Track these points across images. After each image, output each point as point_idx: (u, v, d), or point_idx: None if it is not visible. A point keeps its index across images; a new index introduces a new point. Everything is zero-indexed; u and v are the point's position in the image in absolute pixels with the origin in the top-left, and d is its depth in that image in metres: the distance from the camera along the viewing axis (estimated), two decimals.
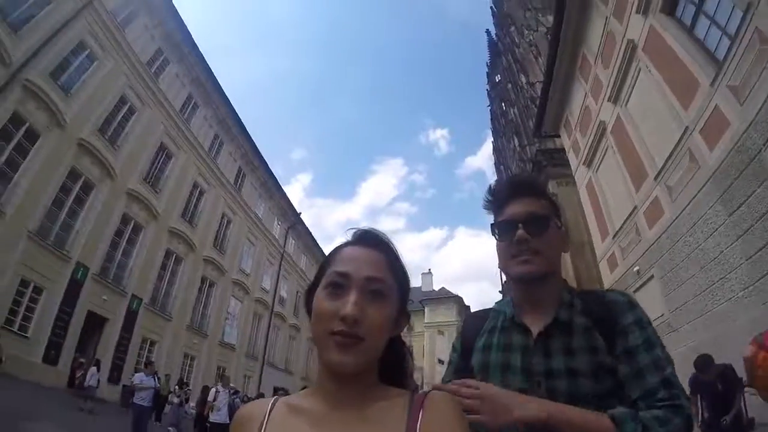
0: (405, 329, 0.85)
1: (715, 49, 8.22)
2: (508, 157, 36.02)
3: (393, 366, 0.83)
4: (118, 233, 16.49)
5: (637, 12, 10.17)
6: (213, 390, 10.99)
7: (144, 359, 16.87)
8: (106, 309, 15.35)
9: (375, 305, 0.72)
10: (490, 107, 45.53)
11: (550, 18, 26.62)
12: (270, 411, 0.74)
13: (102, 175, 15.55)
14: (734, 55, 7.43)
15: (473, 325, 1.23)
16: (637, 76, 10.81)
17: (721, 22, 7.99)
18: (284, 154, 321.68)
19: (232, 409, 10.45)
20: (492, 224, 1.18)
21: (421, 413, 0.70)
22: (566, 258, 18.62)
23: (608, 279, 12.67)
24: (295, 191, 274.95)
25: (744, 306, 7.29)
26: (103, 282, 15.33)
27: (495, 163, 43.78)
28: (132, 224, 17.15)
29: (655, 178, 10.12)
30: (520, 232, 1.09)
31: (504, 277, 31.76)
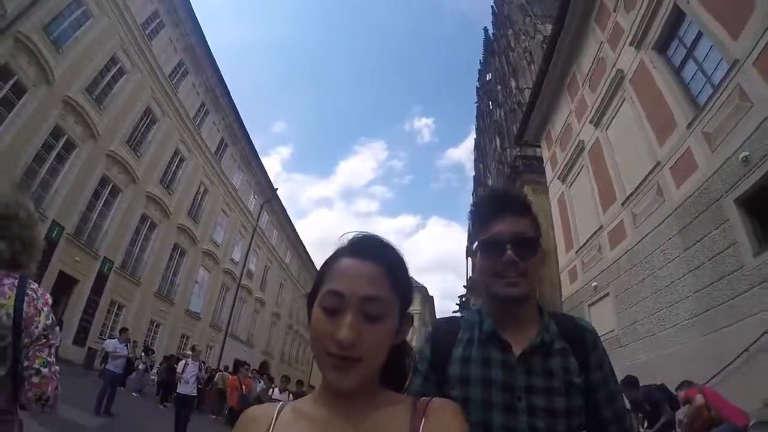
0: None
1: (698, 94, 8.63)
2: (489, 156, 36.44)
3: (395, 370, 0.83)
4: (96, 194, 16.35)
5: (631, 44, 10.55)
6: (182, 362, 11.11)
7: (111, 322, 17.00)
8: (78, 270, 15.30)
9: (373, 326, 0.70)
10: (477, 104, 45.89)
11: (549, 27, 26.95)
12: (277, 416, 0.76)
13: (85, 135, 15.33)
14: (714, 104, 7.86)
15: (446, 334, 1.21)
16: (621, 105, 11.19)
17: (707, 69, 8.37)
18: (266, 124, 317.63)
19: (198, 381, 10.62)
20: (478, 241, 1.17)
21: (423, 421, 0.71)
22: None
23: (567, 289, 13.31)
24: (273, 163, 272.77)
25: (687, 334, 7.90)
26: (77, 243, 15.24)
27: (475, 160, 44.22)
28: (110, 186, 17.00)
29: (623, 204, 10.65)
30: (509, 253, 1.08)
31: (470, 269, 32.27)
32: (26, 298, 1.33)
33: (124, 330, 11.68)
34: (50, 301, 1.44)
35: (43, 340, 1.36)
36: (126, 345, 10.60)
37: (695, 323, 7.83)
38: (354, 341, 0.67)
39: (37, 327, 1.34)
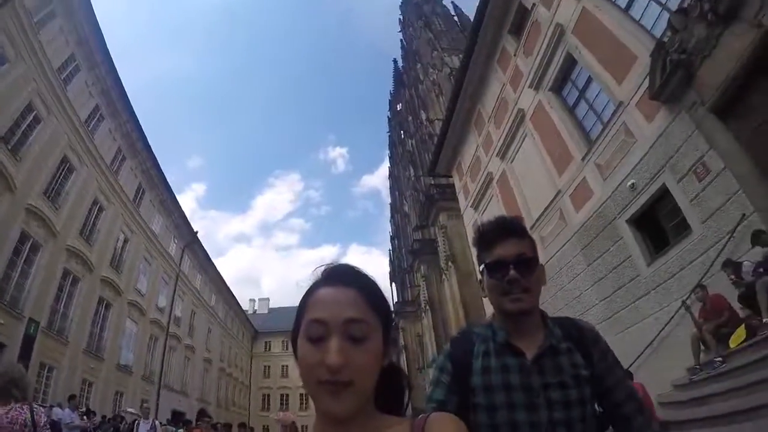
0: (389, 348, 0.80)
1: (590, 129, 9.95)
2: (403, 184, 37.53)
3: (389, 393, 0.82)
4: (16, 251, 15.14)
5: (530, 86, 11.80)
6: (136, 422, 10.83)
7: (42, 386, 15.68)
8: (3, 333, 14.02)
9: (359, 347, 0.70)
10: (389, 133, 47.30)
11: (455, 59, 28.99)
12: None
13: (2, 189, 14.25)
14: (604, 139, 9.18)
15: (463, 348, 1.31)
16: (523, 140, 12.42)
17: (597, 108, 9.68)
18: (180, 160, 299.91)
19: None
20: (485, 264, 1.30)
21: None
22: (453, 284, 20.58)
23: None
24: (188, 200, 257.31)
25: None
26: (0, 305, 14.05)
27: (390, 188, 45.42)
28: (30, 242, 15.83)
29: (531, 228, 11.56)
30: (513, 273, 1.22)
31: (395, 294, 32.91)
32: (35, 413, 3.00)
33: (72, 397, 11.23)
34: (43, 410, 3.32)
35: (45, 429, 3.09)
36: (75, 412, 10.24)
37: (604, 327, 8.87)
38: (342, 364, 0.66)
39: (41, 425, 3.01)
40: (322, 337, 0.70)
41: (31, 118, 15.70)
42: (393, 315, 0.91)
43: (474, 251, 1.41)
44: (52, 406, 12.42)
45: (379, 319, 0.75)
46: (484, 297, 1.34)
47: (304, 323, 0.73)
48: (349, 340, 0.69)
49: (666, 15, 7.59)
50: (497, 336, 1.27)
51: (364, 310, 0.73)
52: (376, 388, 0.74)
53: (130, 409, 16.60)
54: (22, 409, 2.94)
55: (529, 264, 1.25)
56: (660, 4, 8.04)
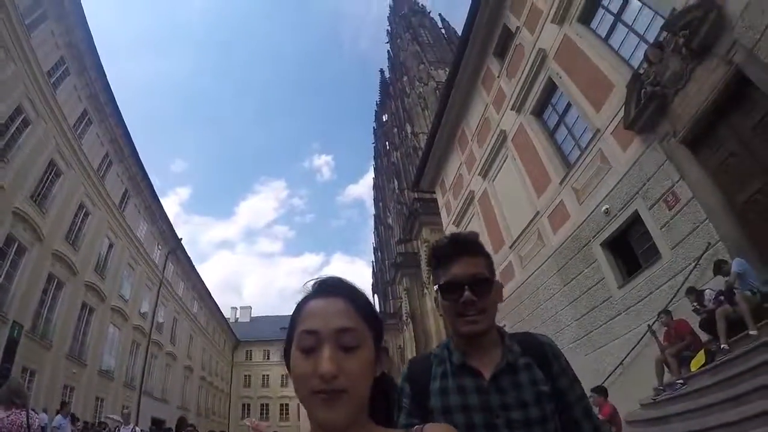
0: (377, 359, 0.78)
1: (568, 154, 10.29)
2: (388, 195, 37.60)
3: (383, 404, 0.83)
4: (2, 254, 15.11)
5: (512, 109, 12.17)
6: (117, 429, 10.92)
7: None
8: None
9: (351, 356, 0.70)
10: (374, 144, 47.47)
11: (442, 73, 29.32)
12: None
13: None
14: (581, 164, 9.51)
15: (421, 370, 1.29)
16: (505, 161, 12.77)
17: (576, 134, 10.01)
18: (165, 163, 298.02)
19: None
20: (438, 285, 1.25)
21: None
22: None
23: None
24: (171, 205, 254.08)
25: (571, 356, 9.13)
26: None
27: (374, 198, 45.41)
28: (16, 245, 15.80)
29: (510, 247, 12.18)
30: (467, 294, 1.17)
31: (377, 306, 33.01)
32: (30, 416, 3.63)
33: (64, 404, 11.24)
34: (38, 414, 4.34)
35: (39, 430, 3.77)
36: (68, 419, 10.32)
37: (578, 346, 9.30)
38: (335, 372, 0.66)
39: (35, 425, 3.66)
40: (314, 348, 0.70)
41: (20, 121, 15.71)
42: (383, 326, 0.88)
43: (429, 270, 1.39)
44: (35, 411, 12.44)
45: (370, 328, 0.76)
46: (441, 315, 1.41)
47: (296, 335, 0.74)
48: (341, 349, 0.70)
49: (643, 46, 7.97)
50: (453, 357, 1.25)
51: (355, 320, 0.73)
52: (368, 399, 0.74)
53: (113, 416, 16.56)
54: (20, 414, 3.62)
55: (484, 284, 1.20)
56: (638, 35, 8.41)
